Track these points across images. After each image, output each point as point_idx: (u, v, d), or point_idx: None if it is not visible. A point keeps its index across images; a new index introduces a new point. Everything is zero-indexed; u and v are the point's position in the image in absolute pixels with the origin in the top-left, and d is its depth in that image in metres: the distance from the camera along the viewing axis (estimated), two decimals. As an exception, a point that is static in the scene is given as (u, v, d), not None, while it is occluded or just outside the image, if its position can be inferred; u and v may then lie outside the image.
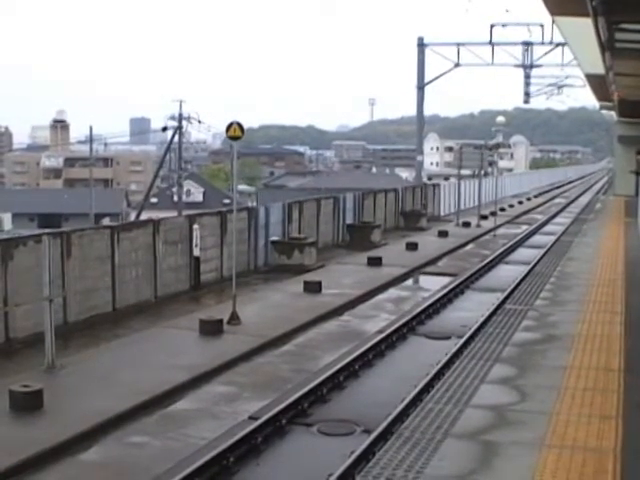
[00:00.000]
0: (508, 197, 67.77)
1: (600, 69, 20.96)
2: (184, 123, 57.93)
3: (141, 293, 23.00)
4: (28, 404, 13.14)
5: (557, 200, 71.28)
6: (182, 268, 24.94)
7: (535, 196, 73.58)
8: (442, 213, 52.58)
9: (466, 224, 43.43)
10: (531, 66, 53.22)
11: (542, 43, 50.49)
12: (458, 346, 17.00)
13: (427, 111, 59.38)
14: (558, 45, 48.56)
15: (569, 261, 20.38)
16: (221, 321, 18.78)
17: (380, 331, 18.96)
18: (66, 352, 17.13)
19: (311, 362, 16.89)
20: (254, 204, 54.84)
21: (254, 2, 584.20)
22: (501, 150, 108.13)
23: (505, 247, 34.96)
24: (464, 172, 50.20)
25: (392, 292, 25.18)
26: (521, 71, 54.10)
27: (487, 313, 20.09)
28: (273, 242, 29.98)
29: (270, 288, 25.11)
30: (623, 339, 11.84)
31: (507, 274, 28.02)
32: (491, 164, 55.65)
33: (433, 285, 25.88)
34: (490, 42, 50.81)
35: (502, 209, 52.86)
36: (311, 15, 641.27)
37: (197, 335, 18.29)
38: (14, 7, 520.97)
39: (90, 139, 64.97)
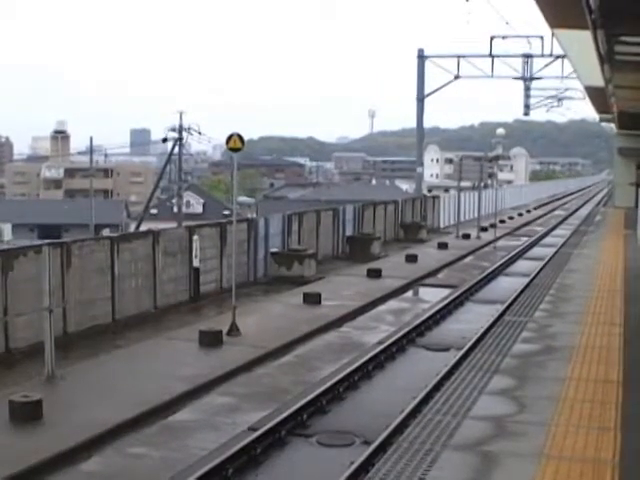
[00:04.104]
0: (508, 209, 67.82)
1: (599, 81, 21.03)
2: (184, 134, 57.97)
3: (141, 304, 23.02)
4: (28, 414, 13.14)
5: (557, 212, 71.29)
6: (182, 279, 24.97)
7: (535, 208, 73.60)
8: (442, 225, 52.62)
9: (466, 236, 43.44)
10: (531, 78, 53.28)
11: (542, 55, 50.59)
12: (457, 357, 17.02)
13: (427, 123, 59.42)
14: (558, 57, 48.63)
15: (569, 273, 20.41)
16: (221, 332, 18.78)
17: (380, 342, 18.97)
18: (66, 362, 17.13)
19: (311, 373, 16.89)
20: (254, 215, 54.85)
21: (254, 13, 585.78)
22: (501, 162, 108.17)
23: (505, 259, 34.97)
24: (464, 184, 50.25)
25: (392, 304, 25.18)
26: (521, 83, 54.21)
27: (487, 325, 20.10)
28: (273, 253, 30.00)
29: (270, 299, 25.13)
30: (622, 351, 11.86)
31: (507, 286, 28.03)
32: (491, 176, 55.61)
33: (433, 297, 25.88)
34: (490, 54, 50.91)
35: (502, 221, 52.91)
36: (311, 30, 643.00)
37: (197, 346, 18.29)
38: (14, 12, 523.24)
39: (90, 150, 65.15)
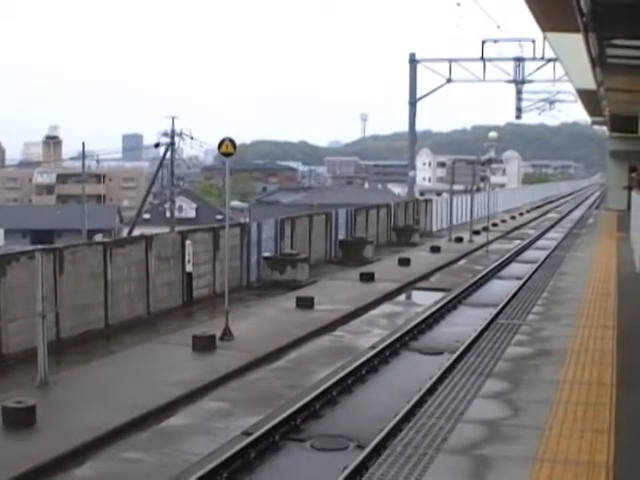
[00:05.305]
0: (500, 212, 67.88)
1: (591, 84, 21.10)
2: (176, 139, 57.91)
3: (134, 309, 22.98)
4: (21, 420, 13.10)
5: (550, 215, 71.39)
6: (175, 284, 24.94)
7: (528, 211, 73.69)
8: (434, 228, 52.64)
9: (458, 239, 43.47)
10: (523, 81, 53.44)
11: (534, 59, 50.77)
12: (451, 361, 17.01)
13: (419, 127, 59.51)
14: (550, 61, 48.82)
15: (562, 276, 20.42)
16: (214, 337, 18.76)
17: (373, 346, 18.97)
18: (59, 368, 17.11)
19: (304, 378, 16.88)
20: (247, 220, 54.82)
21: (246, 18, 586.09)
22: (493, 165, 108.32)
23: (497, 262, 34.99)
24: (456, 187, 50.30)
25: (385, 307, 25.19)
26: (513, 86, 54.35)
27: (480, 328, 20.10)
28: (266, 258, 29.97)
29: (263, 304, 25.10)
30: (615, 353, 11.87)
31: (500, 289, 28.06)
32: (483, 179, 55.71)
33: (426, 300, 25.88)
34: (482, 58, 51.04)
35: (494, 224, 52.91)
36: (303, 34, 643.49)
37: (190, 351, 18.27)
38: (14, 13, 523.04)
39: (82, 155, 64.92)
